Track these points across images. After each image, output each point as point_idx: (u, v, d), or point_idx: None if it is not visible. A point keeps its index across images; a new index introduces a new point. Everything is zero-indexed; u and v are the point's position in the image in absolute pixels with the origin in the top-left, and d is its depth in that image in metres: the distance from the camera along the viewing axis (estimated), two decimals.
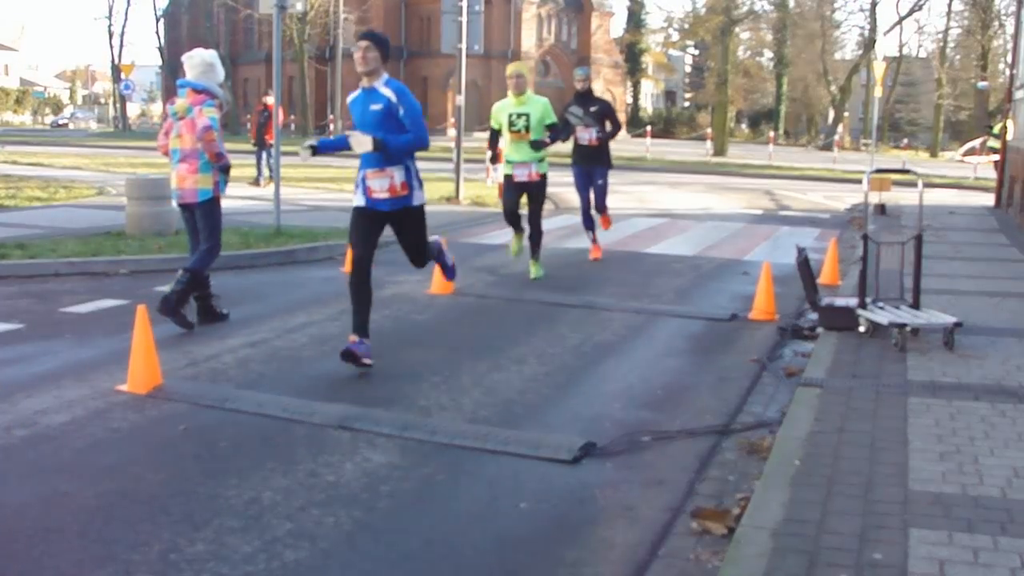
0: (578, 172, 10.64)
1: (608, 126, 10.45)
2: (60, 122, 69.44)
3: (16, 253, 9.18)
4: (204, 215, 7.00)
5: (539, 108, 9.03)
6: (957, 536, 3.34)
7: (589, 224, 10.75)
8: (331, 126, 47.52)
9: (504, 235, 12.26)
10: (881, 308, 6.59)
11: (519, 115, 9.01)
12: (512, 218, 9.34)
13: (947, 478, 3.90)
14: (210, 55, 7.05)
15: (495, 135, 9.47)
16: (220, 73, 7.04)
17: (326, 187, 18.45)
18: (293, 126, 46.25)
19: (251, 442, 4.55)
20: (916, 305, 6.58)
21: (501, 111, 9.16)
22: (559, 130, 9.37)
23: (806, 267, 7.04)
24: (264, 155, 18.79)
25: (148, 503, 3.80)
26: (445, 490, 4.04)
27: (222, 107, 6.97)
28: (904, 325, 6.21)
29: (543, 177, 9.17)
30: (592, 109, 10.36)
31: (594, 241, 10.78)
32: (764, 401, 5.45)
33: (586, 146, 10.45)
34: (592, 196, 10.57)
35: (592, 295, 8.44)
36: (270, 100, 18.13)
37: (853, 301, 6.81)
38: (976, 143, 33.24)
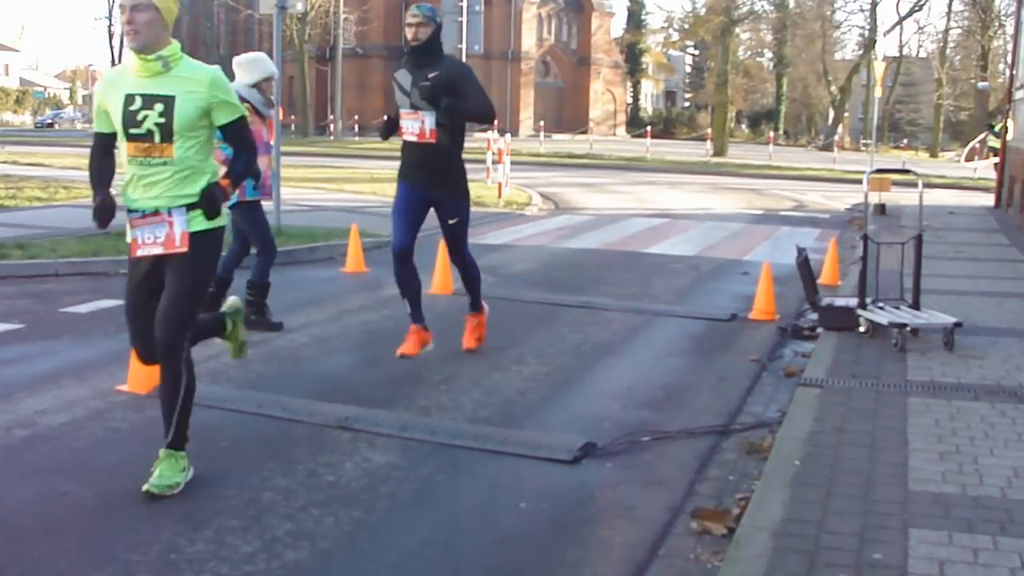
0: (404, 192, 5.92)
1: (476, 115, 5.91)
2: (47, 122, 67.40)
3: (16, 253, 9.18)
4: (243, 218, 6.74)
5: (201, 85, 3.79)
6: (957, 536, 3.34)
7: (416, 311, 6.08)
8: (331, 126, 47.59)
9: (505, 234, 12.25)
10: (881, 308, 6.59)
11: (148, 100, 3.76)
12: (138, 335, 4.15)
13: (947, 478, 3.90)
14: (242, 57, 6.78)
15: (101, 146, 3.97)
16: (256, 73, 6.64)
17: (326, 187, 18.45)
18: (293, 126, 46.28)
19: (251, 442, 4.55)
20: (916, 305, 6.58)
21: (108, 91, 3.83)
22: (249, 158, 4.02)
23: (806, 267, 7.04)
24: None
25: (148, 503, 3.79)
26: (445, 490, 4.04)
27: (255, 110, 6.58)
28: (904, 325, 6.21)
29: (201, 239, 3.90)
30: (431, 75, 5.64)
31: (418, 327, 6.08)
32: (764, 401, 5.45)
33: (416, 146, 5.80)
34: (443, 240, 6.19)
35: (592, 295, 8.44)
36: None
37: (853, 301, 6.81)
38: (976, 142, 33.27)
